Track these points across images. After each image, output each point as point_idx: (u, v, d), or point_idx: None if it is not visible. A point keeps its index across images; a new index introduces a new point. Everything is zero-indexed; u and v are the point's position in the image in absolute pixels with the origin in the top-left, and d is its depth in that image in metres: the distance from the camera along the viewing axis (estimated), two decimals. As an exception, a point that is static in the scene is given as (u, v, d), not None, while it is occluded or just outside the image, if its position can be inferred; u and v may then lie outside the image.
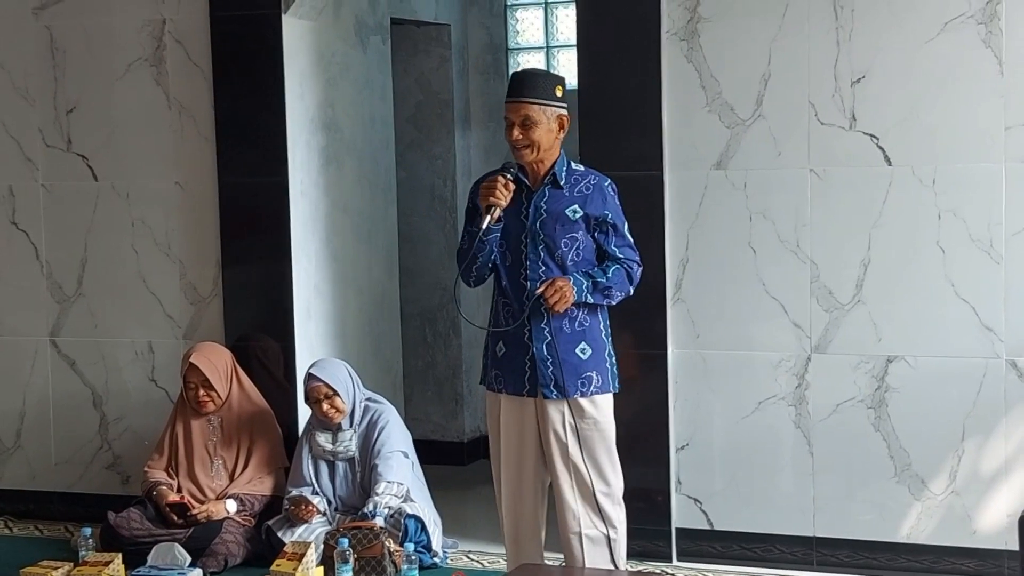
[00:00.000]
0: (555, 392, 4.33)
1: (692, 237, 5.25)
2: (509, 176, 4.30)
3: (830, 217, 5.09)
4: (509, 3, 7.28)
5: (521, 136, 4.28)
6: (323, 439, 5.47)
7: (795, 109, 5.09)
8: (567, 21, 7.12)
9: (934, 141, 4.96)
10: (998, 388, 4.95)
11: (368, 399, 5.54)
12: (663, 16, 5.21)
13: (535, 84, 4.32)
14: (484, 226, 4.27)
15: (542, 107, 4.28)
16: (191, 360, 5.59)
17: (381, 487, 5.27)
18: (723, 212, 5.21)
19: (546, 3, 7.24)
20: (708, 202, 5.23)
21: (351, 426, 5.46)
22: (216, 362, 5.63)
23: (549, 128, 4.30)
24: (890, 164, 5.01)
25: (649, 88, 5.23)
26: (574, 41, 5.57)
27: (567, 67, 6.91)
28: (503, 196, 4.26)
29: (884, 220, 5.02)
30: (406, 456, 5.45)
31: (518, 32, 7.30)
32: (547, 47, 7.24)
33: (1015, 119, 4.86)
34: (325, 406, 5.40)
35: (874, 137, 5.02)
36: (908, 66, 4.96)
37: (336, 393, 5.39)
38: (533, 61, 7.23)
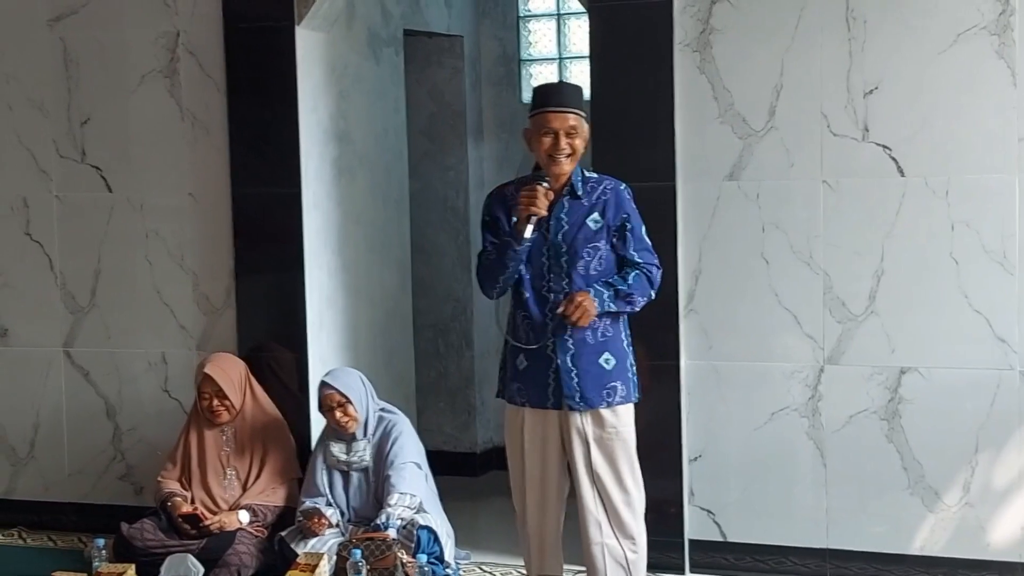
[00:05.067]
0: (580, 403, 4.33)
1: (705, 248, 5.25)
2: (546, 185, 4.29)
3: (843, 228, 5.08)
4: (521, 14, 7.29)
5: (567, 146, 4.29)
6: (337, 449, 5.47)
7: (808, 120, 5.09)
8: (579, 32, 7.12)
9: (947, 152, 4.95)
10: (1012, 399, 4.94)
11: (382, 409, 5.54)
12: (675, 27, 5.21)
13: (575, 95, 4.36)
14: (527, 235, 4.25)
15: (581, 118, 4.31)
16: (205, 370, 5.60)
17: (394, 498, 5.27)
18: (736, 223, 5.21)
19: (558, 14, 7.25)
20: (721, 213, 5.23)
21: (365, 436, 5.46)
22: (230, 372, 5.64)
23: (585, 139, 4.33)
24: (903, 175, 5.00)
25: (661, 99, 5.24)
26: (586, 52, 5.57)
27: (579, 78, 6.90)
28: (544, 206, 4.26)
29: (897, 231, 5.02)
30: (419, 467, 5.44)
31: (530, 43, 7.31)
32: (559, 58, 7.24)
33: (1028, 130, 4.87)
34: (338, 414, 5.40)
35: (887, 148, 5.02)
36: (921, 77, 4.96)
37: (349, 401, 5.39)
38: (545, 72, 7.23)
